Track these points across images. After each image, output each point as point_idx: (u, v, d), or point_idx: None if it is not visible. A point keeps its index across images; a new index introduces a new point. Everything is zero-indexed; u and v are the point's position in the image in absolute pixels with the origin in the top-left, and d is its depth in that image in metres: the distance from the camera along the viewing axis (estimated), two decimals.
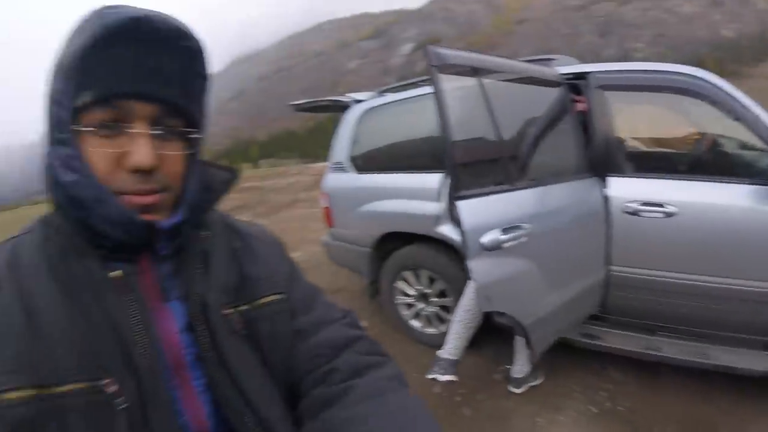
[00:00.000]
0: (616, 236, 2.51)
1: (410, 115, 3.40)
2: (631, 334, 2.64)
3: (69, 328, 0.56)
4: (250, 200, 15.26)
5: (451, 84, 1.98)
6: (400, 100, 3.46)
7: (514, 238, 2.09)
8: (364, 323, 3.31)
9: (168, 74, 0.60)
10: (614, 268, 2.56)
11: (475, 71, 2.15)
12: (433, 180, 3.03)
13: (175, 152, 0.64)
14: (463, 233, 2.02)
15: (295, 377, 0.75)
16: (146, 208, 0.62)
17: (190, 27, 0.60)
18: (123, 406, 0.56)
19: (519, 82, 2.46)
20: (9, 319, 0.55)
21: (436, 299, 3.26)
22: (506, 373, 2.85)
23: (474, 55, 2.17)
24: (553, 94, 2.61)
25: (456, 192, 2.05)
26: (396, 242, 3.36)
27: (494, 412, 2.61)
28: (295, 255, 6.39)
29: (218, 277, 0.71)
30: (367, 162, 3.62)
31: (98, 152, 0.59)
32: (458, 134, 2.01)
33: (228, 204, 14.56)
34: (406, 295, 3.42)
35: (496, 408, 2.64)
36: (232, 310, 0.70)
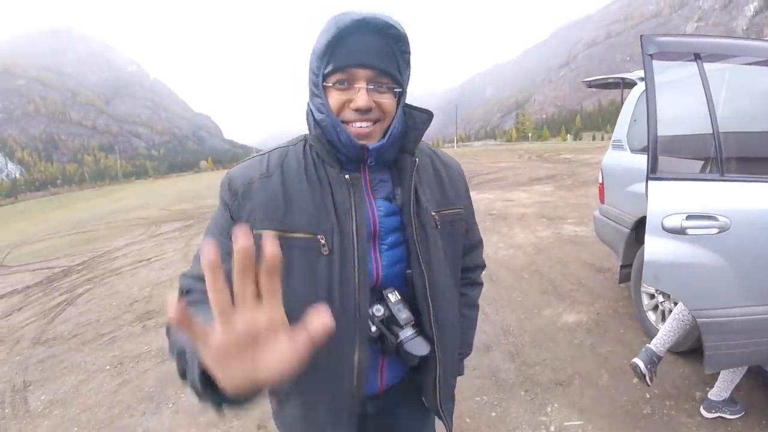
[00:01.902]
0: None
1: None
2: None
3: (308, 207, 0.95)
4: (561, 171, 15.39)
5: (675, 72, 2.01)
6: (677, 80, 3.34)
7: (700, 227, 2.05)
8: (600, 303, 3.45)
9: (379, 51, 0.91)
10: None
11: (697, 56, 2.09)
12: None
13: (385, 99, 0.94)
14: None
15: None
16: (362, 136, 0.94)
17: (394, 20, 0.92)
18: (325, 253, 0.94)
19: (761, 65, 2.23)
20: (274, 196, 0.95)
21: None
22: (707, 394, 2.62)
23: (698, 39, 2.11)
24: None
25: (652, 172, 2.11)
26: None
27: (668, 421, 2.51)
28: (578, 230, 6.54)
29: (428, 192, 1.07)
30: (641, 141, 3.61)
31: (336, 99, 0.93)
32: (669, 121, 2.05)
33: (541, 172, 15.40)
34: None
35: (673, 419, 2.52)
36: (435, 214, 1.05)
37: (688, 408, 2.59)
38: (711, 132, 2.10)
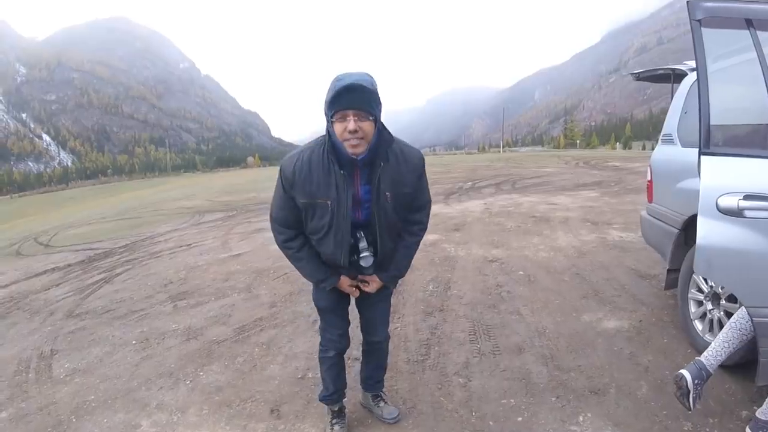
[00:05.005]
0: None
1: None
2: None
3: (323, 186, 1.88)
4: (608, 178, 14.90)
5: None
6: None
7: (760, 209, 1.83)
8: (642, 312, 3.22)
9: (360, 100, 1.71)
10: None
11: (749, 23, 1.89)
12: None
13: (365, 125, 1.75)
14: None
15: None
16: (353, 148, 1.79)
17: (367, 81, 1.71)
18: (330, 208, 1.90)
19: None
20: (305, 180, 1.88)
21: (725, 302, 2.81)
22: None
23: (751, 5, 1.91)
24: None
25: (705, 146, 1.93)
26: None
27: None
28: (624, 235, 6.25)
29: (387, 181, 1.90)
30: (693, 135, 3.34)
31: (338, 127, 1.77)
32: (722, 93, 1.88)
33: (587, 179, 15.04)
34: (700, 290, 3.07)
35: None
36: (389, 194, 1.92)
37: (732, 428, 2.33)
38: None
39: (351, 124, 1.71)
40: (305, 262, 2.10)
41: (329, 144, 1.83)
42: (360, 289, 2.21)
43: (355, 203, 1.94)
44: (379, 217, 1.96)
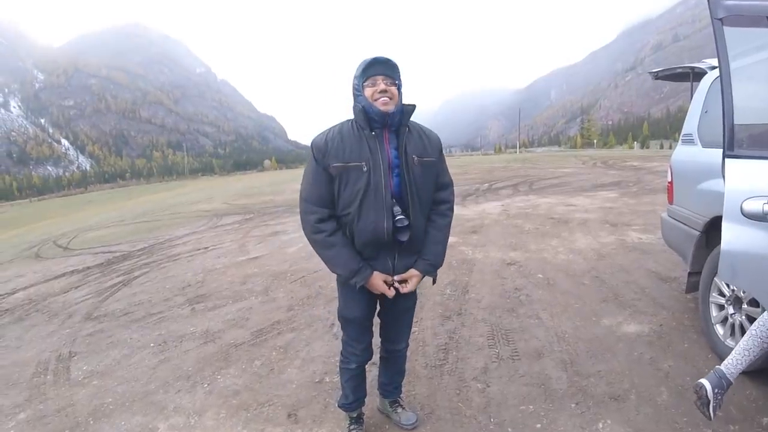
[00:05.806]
0: None
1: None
2: None
3: (355, 150, 1.98)
4: (626, 179, 14.73)
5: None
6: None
7: None
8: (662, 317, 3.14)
9: (387, 68, 1.98)
10: None
11: None
12: None
13: (392, 89, 1.97)
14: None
15: None
16: (384, 106, 1.95)
17: (391, 58, 2.00)
18: (365, 170, 1.96)
19: None
20: (338, 147, 1.98)
21: (747, 306, 2.73)
22: None
23: None
24: None
25: (729, 149, 1.89)
26: None
27: None
28: (643, 237, 6.15)
29: (413, 146, 2.04)
30: (713, 135, 3.22)
31: (369, 91, 1.97)
32: (745, 92, 1.86)
33: (605, 179, 14.97)
34: (722, 294, 2.99)
35: None
36: (415, 157, 2.03)
37: None
38: None
39: (381, 85, 1.95)
40: (339, 248, 2.02)
41: (359, 109, 1.99)
42: (391, 295, 2.12)
43: (388, 166, 2.01)
44: (410, 184, 2.01)
